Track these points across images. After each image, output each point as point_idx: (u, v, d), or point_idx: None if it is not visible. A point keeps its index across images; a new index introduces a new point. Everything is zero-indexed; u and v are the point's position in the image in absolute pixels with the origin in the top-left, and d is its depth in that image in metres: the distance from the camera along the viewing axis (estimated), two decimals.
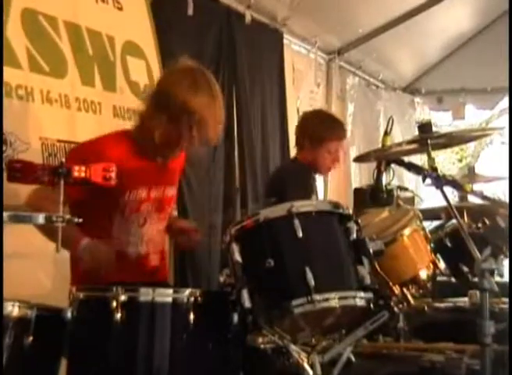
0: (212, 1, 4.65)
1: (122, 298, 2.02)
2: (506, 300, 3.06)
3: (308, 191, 3.78)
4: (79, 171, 1.87)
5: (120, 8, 3.86)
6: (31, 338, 1.98)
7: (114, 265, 2.44)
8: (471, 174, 4.73)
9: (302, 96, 6.03)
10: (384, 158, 2.71)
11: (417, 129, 2.58)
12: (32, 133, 3.22)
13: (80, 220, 1.93)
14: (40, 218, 1.86)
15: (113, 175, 1.92)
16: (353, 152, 6.73)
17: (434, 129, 2.59)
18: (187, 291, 2.10)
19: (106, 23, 3.75)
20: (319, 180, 5.94)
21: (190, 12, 4.28)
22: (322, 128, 3.83)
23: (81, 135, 3.28)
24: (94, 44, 3.65)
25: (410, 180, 6.94)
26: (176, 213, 2.94)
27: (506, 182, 5.82)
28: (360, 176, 6.91)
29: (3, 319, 1.91)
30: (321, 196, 5.80)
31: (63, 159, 1.91)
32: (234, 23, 4.91)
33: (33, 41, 3.25)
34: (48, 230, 2.33)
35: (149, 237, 2.73)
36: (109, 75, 3.74)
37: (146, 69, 3.96)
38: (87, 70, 3.59)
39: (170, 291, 2.16)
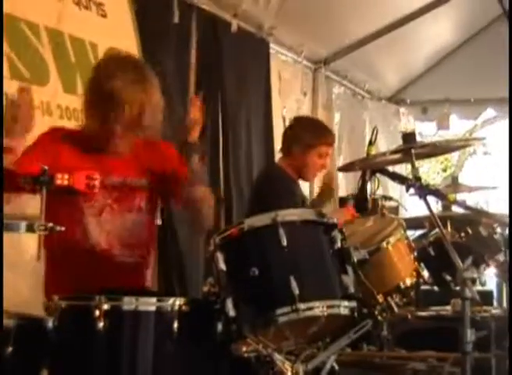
0: (198, 10, 4.66)
1: (105, 306, 2.01)
2: (488, 308, 3.09)
3: (295, 199, 3.79)
4: (62, 179, 1.86)
5: (104, 16, 3.85)
6: (11, 349, 1.96)
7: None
8: (455, 184, 4.76)
9: (288, 105, 6.05)
10: (368, 167, 2.73)
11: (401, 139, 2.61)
12: None
13: (63, 228, 1.92)
14: (22, 226, 1.85)
15: (97, 183, 1.92)
16: (340, 162, 6.75)
17: (418, 139, 2.61)
18: (171, 300, 2.09)
19: (89, 30, 3.74)
20: (305, 188, 5.98)
21: (176, 20, 4.28)
22: (314, 133, 3.87)
23: None
24: (77, 52, 3.64)
25: (395, 189, 6.97)
26: (159, 222, 2.85)
27: (491, 191, 5.88)
28: (347, 185, 6.92)
29: None
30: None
31: (46, 167, 1.89)
32: (220, 32, 4.92)
33: (14, 47, 3.24)
34: None
35: (109, 228, 2.61)
36: None
37: None
38: (69, 78, 3.58)
39: (154, 299, 2.15)
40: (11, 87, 3.19)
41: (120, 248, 2.63)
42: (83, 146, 2.61)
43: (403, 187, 2.52)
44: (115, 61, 2.62)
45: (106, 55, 2.71)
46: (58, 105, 3.48)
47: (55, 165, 2.25)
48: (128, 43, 4.01)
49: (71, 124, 3.53)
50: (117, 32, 3.96)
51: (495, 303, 4.38)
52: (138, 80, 2.52)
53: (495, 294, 4.55)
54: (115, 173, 2.63)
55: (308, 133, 3.86)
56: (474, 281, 2.34)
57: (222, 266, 2.17)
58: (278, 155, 4.16)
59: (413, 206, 5.10)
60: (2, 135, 2.89)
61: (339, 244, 2.26)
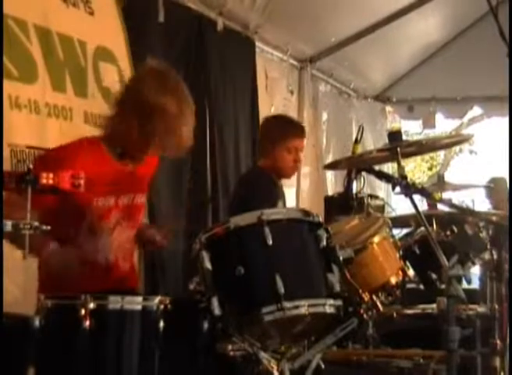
0: (184, 8, 4.64)
1: (91, 305, 2.01)
2: (473, 306, 3.11)
3: (273, 198, 3.79)
4: (47, 178, 1.85)
5: (91, 13, 3.82)
6: None
7: (77, 272, 2.45)
8: (441, 182, 4.77)
9: (276, 103, 6.05)
10: (354, 166, 2.73)
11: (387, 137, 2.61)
12: None
13: (48, 228, 1.91)
14: (8, 225, 1.84)
15: (82, 182, 1.91)
16: (329, 160, 6.75)
17: (404, 137, 2.61)
18: (157, 299, 2.09)
19: (77, 28, 3.71)
20: (291, 187, 5.99)
21: (161, 18, 4.27)
22: (279, 129, 3.90)
23: (51, 141, 3.24)
24: (65, 49, 3.61)
25: (382, 188, 6.99)
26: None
27: (477, 190, 5.91)
28: (335, 184, 6.93)
29: None
30: (292, 204, 5.82)
31: (31, 166, 1.89)
32: (206, 30, 4.91)
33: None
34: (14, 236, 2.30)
35: (118, 244, 2.73)
36: (81, 80, 3.71)
37: (118, 75, 3.93)
38: (57, 75, 3.55)
39: (139, 298, 2.16)
40: None
41: (122, 261, 2.77)
42: (104, 157, 2.67)
43: (389, 186, 2.53)
44: (160, 76, 2.66)
45: (145, 69, 2.73)
46: (46, 103, 3.45)
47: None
48: (116, 41, 4.00)
49: (59, 122, 3.52)
50: (105, 30, 3.94)
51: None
52: (186, 99, 2.66)
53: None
54: (127, 190, 2.73)
55: (274, 129, 3.89)
56: (459, 279, 2.35)
57: (208, 265, 2.17)
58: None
59: (399, 205, 5.12)
60: (2, 131, 2.90)
61: (324, 243, 2.27)
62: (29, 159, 3.28)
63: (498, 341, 2.61)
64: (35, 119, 3.40)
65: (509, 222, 2.62)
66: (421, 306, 3.64)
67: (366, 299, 2.65)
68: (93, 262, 2.63)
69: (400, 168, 2.53)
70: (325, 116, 7.03)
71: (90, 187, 2.11)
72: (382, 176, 2.62)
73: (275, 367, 2.24)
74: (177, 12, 4.51)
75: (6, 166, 3.13)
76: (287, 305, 2.09)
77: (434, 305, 3.35)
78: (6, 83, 3.21)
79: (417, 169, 16.20)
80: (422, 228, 3.20)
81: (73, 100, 3.63)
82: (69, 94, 3.62)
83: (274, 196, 3.83)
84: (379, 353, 3.05)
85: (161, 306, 2.08)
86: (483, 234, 3.49)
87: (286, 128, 3.91)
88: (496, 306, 2.66)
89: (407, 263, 2.96)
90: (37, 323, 2.04)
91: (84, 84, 3.73)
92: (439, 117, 7.85)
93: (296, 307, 2.11)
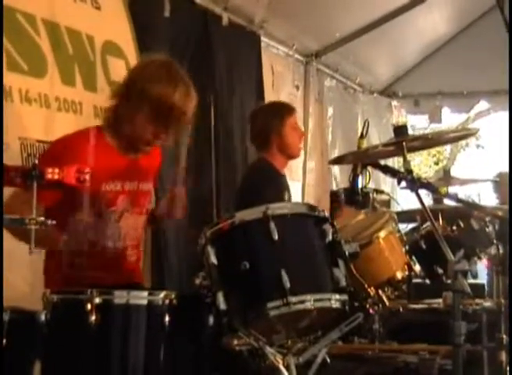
0: (189, 3, 4.65)
1: (97, 300, 2.01)
2: (479, 301, 3.11)
3: (281, 188, 3.81)
4: (52, 173, 1.85)
5: (98, 8, 3.83)
6: (4, 341, 1.96)
7: (88, 261, 2.47)
8: (447, 177, 4.76)
9: (282, 98, 6.04)
10: (360, 161, 2.73)
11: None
12: (11, 134, 3.16)
13: (54, 222, 1.91)
14: (14, 221, 1.84)
15: (87, 177, 1.91)
16: (334, 155, 6.75)
17: (410, 132, 2.61)
18: (162, 294, 2.10)
19: (85, 23, 3.73)
20: (297, 182, 5.99)
21: (167, 13, 4.28)
22: (275, 112, 3.95)
23: (61, 135, 3.25)
24: (74, 44, 3.62)
25: (387, 182, 6.98)
26: None
27: (484, 184, 5.90)
28: (341, 179, 6.92)
29: None
30: (298, 198, 5.82)
31: (36, 161, 1.89)
32: (211, 25, 4.91)
33: (11, 38, 3.20)
34: (20, 232, 2.30)
35: (126, 231, 2.74)
36: (90, 75, 3.72)
37: (126, 69, 3.93)
38: (67, 70, 3.57)
39: (145, 293, 2.16)
40: (9, 79, 3.18)
41: (130, 249, 2.77)
42: (106, 146, 2.68)
43: (395, 181, 2.53)
44: (165, 69, 2.66)
45: (150, 61, 2.72)
46: (56, 97, 3.46)
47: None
48: (123, 35, 4.01)
49: (69, 116, 3.53)
50: (112, 24, 3.96)
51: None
52: (191, 91, 2.66)
53: (486, 286, 4.57)
54: (132, 177, 2.74)
55: (271, 116, 3.92)
56: (465, 274, 2.34)
57: (213, 259, 2.17)
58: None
59: (405, 200, 5.12)
60: (2, 134, 2.91)
61: (330, 238, 2.26)
62: (39, 153, 3.29)
63: (504, 336, 2.61)
64: (45, 113, 3.41)
65: (509, 217, 2.61)
66: (427, 301, 3.64)
67: (372, 294, 2.64)
68: (102, 248, 2.65)
69: (406, 162, 2.52)
70: (330, 111, 7.02)
71: (96, 175, 2.12)
72: (387, 170, 2.62)
73: (280, 362, 2.24)
74: (183, 7, 4.52)
75: (17, 160, 3.15)
76: (293, 299, 2.09)
77: (440, 300, 3.36)
78: (16, 77, 3.23)
79: (423, 163, 16.18)
80: (428, 223, 3.20)
81: (83, 94, 3.65)
82: (78, 88, 3.63)
83: (281, 186, 3.85)
84: (385, 348, 3.05)
85: (167, 301, 2.08)
86: (489, 229, 3.50)
87: (282, 109, 4.01)
88: (503, 301, 2.66)
89: (413, 258, 2.95)
90: (43, 317, 2.05)
91: (93, 78, 3.75)
92: (445, 111, 7.84)
93: (302, 302, 2.11)
